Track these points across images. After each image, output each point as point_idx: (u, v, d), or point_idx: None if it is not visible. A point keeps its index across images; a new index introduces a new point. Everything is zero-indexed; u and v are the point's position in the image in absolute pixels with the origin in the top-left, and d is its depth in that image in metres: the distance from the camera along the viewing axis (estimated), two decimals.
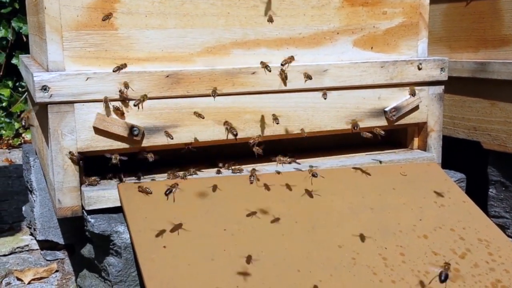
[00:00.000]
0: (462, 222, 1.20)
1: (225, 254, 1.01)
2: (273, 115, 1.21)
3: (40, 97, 1.06)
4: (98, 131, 1.11)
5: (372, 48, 1.33)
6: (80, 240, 1.26)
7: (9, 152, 3.02)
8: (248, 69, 1.20)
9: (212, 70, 1.18)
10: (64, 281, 1.50)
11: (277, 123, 1.21)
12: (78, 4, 1.09)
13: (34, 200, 1.62)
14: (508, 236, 1.81)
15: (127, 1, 1.12)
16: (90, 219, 1.09)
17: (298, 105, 1.26)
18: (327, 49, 1.29)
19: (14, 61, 3.07)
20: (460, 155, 2.00)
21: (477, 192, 1.92)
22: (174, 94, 1.15)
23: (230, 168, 1.23)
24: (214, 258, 0.99)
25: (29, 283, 1.49)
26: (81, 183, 1.13)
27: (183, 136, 1.18)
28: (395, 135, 1.45)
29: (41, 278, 1.51)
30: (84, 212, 1.12)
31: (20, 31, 3.04)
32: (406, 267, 1.06)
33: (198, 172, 1.20)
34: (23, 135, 3.19)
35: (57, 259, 1.64)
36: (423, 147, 1.42)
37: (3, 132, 3.07)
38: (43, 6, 1.07)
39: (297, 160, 1.29)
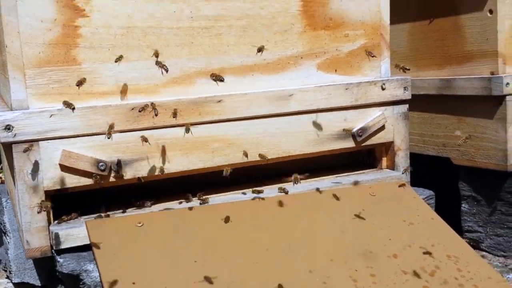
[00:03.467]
0: (431, 240, 1.22)
1: (195, 286, 1.02)
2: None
3: (4, 137, 1.06)
4: (64, 168, 1.11)
5: (336, 70, 1.36)
6: (55, 280, 1.26)
7: None
8: (213, 98, 1.22)
9: (178, 100, 1.19)
10: None
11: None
12: (40, 41, 1.10)
13: (8, 242, 1.61)
14: (482, 250, 1.84)
15: (89, 36, 1.13)
16: (59, 259, 1.10)
17: (266, 131, 1.28)
18: (292, 74, 1.31)
19: None
20: (431, 171, 2.03)
21: (450, 207, 1.96)
22: (140, 126, 1.16)
23: (200, 198, 1.24)
24: None
25: None
26: (49, 222, 1.13)
27: (151, 168, 1.19)
28: (364, 155, 1.48)
29: None
30: (53, 252, 1.12)
31: None
32: (375, 286, 1.08)
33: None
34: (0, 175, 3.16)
35: None
36: (392, 166, 1.45)
37: None
38: (4, 44, 1.08)
39: (268, 186, 1.31)
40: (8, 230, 1.61)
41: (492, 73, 1.70)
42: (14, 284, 1.67)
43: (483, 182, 1.80)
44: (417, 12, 1.92)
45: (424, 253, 1.18)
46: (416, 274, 1.12)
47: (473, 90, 1.74)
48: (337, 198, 1.28)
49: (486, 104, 1.72)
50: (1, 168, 3.04)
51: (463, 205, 1.88)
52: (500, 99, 1.68)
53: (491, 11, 1.69)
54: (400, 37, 1.98)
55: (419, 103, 1.94)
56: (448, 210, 1.99)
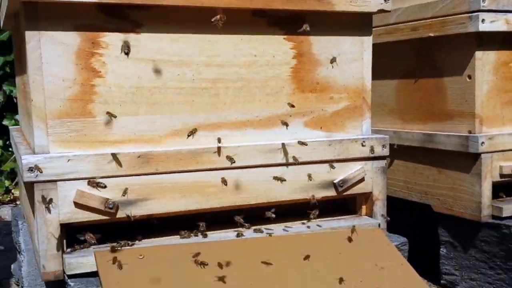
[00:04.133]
0: (398, 283, 1.37)
1: None
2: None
3: (27, 177, 1.23)
4: (77, 205, 1.28)
5: (321, 128, 1.52)
6: None
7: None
8: (210, 149, 1.39)
9: (178, 150, 1.36)
10: None
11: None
12: (61, 97, 1.27)
13: (22, 260, 1.78)
14: None
15: (103, 93, 1.31)
16: (70, 283, 1.26)
17: (256, 179, 1.44)
18: (281, 130, 1.48)
19: (5, 122, 3.25)
20: (415, 217, 2.18)
21: (431, 250, 2.10)
22: (144, 172, 1.33)
23: (191, 235, 1.40)
24: None
25: None
26: (63, 250, 1.29)
27: (153, 208, 1.35)
28: (346, 203, 1.63)
29: None
30: (65, 276, 1.28)
31: (11, 94, 3.24)
32: None
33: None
34: (12, 191, 3.35)
35: None
36: (370, 214, 1.60)
37: None
38: (30, 98, 1.26)
39: (254, 227, 1.47)
40: (23, 249, 1.78)
41: (470, 132, 1.85)
42: None
43: (459, 229, 1.94)
44: (405, 71, 2.08)
45: None
46: None
47: (452, 146, 1.89)
48: (317, 241, 1.43)
49: (464, 159, 1.87)
50: (15, 184, 3.22)
51: (441, 249, 2.02)
52: (476, 156, 1.83)
53: (469, 76, 1.84)
54: (389, 91, 2.14)
55: (404, 153, 2.10)
56: (429, 253, 2.13)
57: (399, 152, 2.09)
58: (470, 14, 1.78)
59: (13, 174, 3.33)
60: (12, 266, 2.03)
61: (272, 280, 1.30)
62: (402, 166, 2.11)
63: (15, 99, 3.28)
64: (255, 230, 1.45)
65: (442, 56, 1.92)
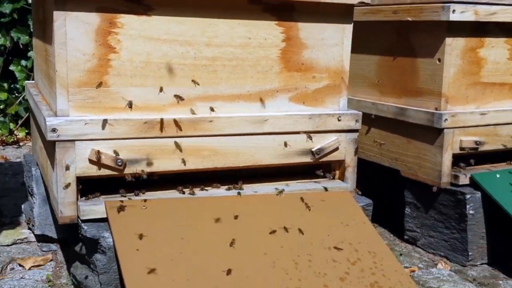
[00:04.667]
0: (358, 238, 1.62)
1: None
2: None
3: (50, 136, 1.45)
4: (91, 162, 1.51)
5: (303, 103, 1.75)
6: (66, 235, 1.65)
7: (3, 149, 3.39)
8: (206, 118, 1.61)
9: (179, 118, 1.58)
10: (57, 268, 1.90)
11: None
12: (81, 68, 1.48)
13: (34, 202, 2.01)
14: (418, 246, 2.24)
15: (117, 66, 1.52)
16: (83, 226, 1.50)
17: (244, 145, 1.67)
18: (268, 103, 1.70)
19: (11, 67, 3.44)
20: (385, 178, 2.43)
21: (397, 209, 2.36)
22: (149, 135, 1.55)
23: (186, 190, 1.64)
24: (182, 252, 1.40)
25: (29, 269, 1.89)
26: (77, 199, 1.53)
27: (156, 166, 1.58)
28: (323, 167, 1.87)
29: (38, 265, 1.91)
30: (79, 220, 1.52)
31: (19, 40, 3.41)
32: (310, 270, 1.48)
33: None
34: (15, 132, 3.56)
35: (51, 250, 2.03)
36: (342, 178, 1.84)
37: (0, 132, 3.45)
38: (54, 68, 1.47)
39: (243, 184, 1.71)
40: (35, 193, 2.01)
41: (436, 109, 2.07)
42: (36, 235, 2.07)
43: (422, 193, 2.19)
44: (385, 49, 2.28)
45: (352, 247, 1.58)
46: (345, 264, 1.52)
47: (420, 120, 2.12)
48: (293, 200, 1.68)
49: (429, 133, 2.09)
50: (20, 126, 3.42)
51: (406, 209, 2.27)
52: (439, 131, 2.05)
53: (439, 60, 2.05)
54: (370, 66, 2.35)
55: (379, 122, 2.32)
56: (396, 212, 2.39)
57: (376, 121, 2.32)
58: (443, 4, 1.98)
59: (16, 117, 3.54)
60: (23, 206, 2.27)
61: (252, 229, 1.55)
62: (377, 134, 2.34)
63: (21, 45, 3.45)
64: (239, 190, 1.69)
65: (417, 39, 2.13)
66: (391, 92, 2.26)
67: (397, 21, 2.17)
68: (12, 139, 3.47)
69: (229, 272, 1.39)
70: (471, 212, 2.02)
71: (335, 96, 1.77)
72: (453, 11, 1.97)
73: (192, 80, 1.58)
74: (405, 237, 2.28)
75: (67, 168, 1.48)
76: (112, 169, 1.53)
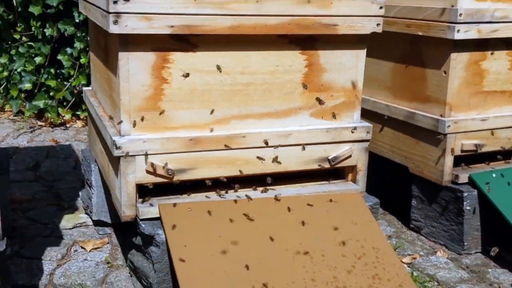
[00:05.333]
0: (365, 235, 2.00)
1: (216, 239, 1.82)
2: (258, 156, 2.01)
3: (116, 153, 1.85)
4: (148, 172, 1.90)
5: (322, 117, 2.11)
6: (118, 220, 2.03)
7: (52, 131, 3.82)
8: (240, 134, 1.98)
9: (218, 135, 1.96)
10: (113, 251, 2.32)
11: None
12: (140, 96, 1.86)
13: (92, 193, 2.43)
14: (422, 235, 2.62)
15: (169, 94, 1.89)
16: (141, 224, 1.90)
17: (272, 155, 2.05)
18: (292, 120, 2.06)
19: (59, 57, 3.84)
20: (396, 173, 2.80)
21: (405, 201, 2.73)
22: (194, 149, 1.94)
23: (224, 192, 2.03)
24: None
25: (90, 251, 2.31)
26: (136, 201, 1.93)
27: (199, 174, 1.97)
28: (338, 171, 2.24)
29: (97, 248, 2.33)
30: (138, 219, 1.93)
31: (65, 31, 3.79)
32: (323, 264, 1.87)
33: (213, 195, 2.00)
34: (62, 114, 3.97)
35: (106, 233, 2.46)
36: (354, 180, 2.21)
37: (49, 114, 3.86)
38: (119, 96, 1.85)
39: (270, 187, 2.09)
40: (93, 185, 2.42)
41: (441, 115, 2.42)
42: (93, 220, 2.50)
43: (427, 188, 2.56)
44: (399, 57, 2.62)
45: (359, 244, 1.97)
46: (351, 259, 1.91)
47: (427, 124, 2.47)
48: (311, 205, 2.06)
49: (434, 136, 2.45)
50: (69, 108, 3.83)
51: (413, 201, 2.65)
52: (443, 135, 2.41)
53: (445, 72, 2.39)
54: (386, 71, 2.69)
55: (392, 123, 2.67)
56: (404, 202, 2.77)
57: (389, 121, 2.68)
58: (449, 24, 2.30)
59: (63, 101, 3.94)
60: (80, 193, 2.70)
61: (276, 226, 1.94)
62: (389, 133, 2.70)
63: (67, 35, 3.83)
64: (268, 191, 2.07)
65: (426, 51, 2.46)
66: (403, 97, 2.61)
67: (410, 34, 2.49)
68: (59, 121, 3.89)
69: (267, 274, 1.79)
70: (467, 208, 2.39)
71: (350, 111, 2.13)
72: (458, 30, 2.29)
73: (228, 102, 1.95)
74: (411, 225, 2.66)
75: (129, 177, 1.88)
76: (164, 177, 1.92)
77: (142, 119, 1.88)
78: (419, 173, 2.56)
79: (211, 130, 1.96)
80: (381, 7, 2.02)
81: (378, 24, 2.05)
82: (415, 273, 2.27)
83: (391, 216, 2.80)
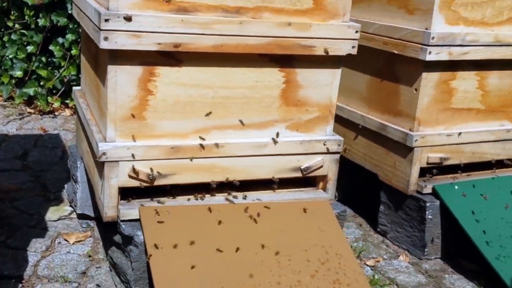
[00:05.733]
0: (330, 242, 2.15)
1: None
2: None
3: (101, 158, 1.98)
4: (130, 176, 2.04)
5: (297, 130, 2.25)
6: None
7: (41, 119, 3.93)
8: (219, 144, 2.12)
9: (197, 144, 2.09)
10: (95, 244, 2.46)
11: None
12: (126, 107, 1.99)
13: (77, 188, 2.56)
14: (387, 239, 2.78)
15: (153, 105, 2.02)
16: (122, 225, 2.04)
17: (248, 164, 2.19)
18: (269, 131, 2.20)
19: (51, 47, 3.94)
20: (367, 180, 2.95)
21: (374, 206, 2.89)
22: (175, 157, 2.07)
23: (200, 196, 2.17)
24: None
25: (73, 243, 2.45)
26: (118, 203, 2.06)
27: (177, 179, 2.11)
28: (309, 180, 2.38)
29: (80, 241, 2.47)
30: (119, 220, 2.07)
31: (57, 23, 3.89)
32: (289, 268, 2.02)
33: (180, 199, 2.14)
34: (51, 102, 4.08)
35: (89, 226, 2.59)
36: (324, 189, 2.36)
37: (38, 102, 3.97)
38: (106, 105, 1.98)
39: (244, 193, 2.23)
40: (79, 181, 2.55)
41: (410, 130, 2.57)
42: (77, 214, 2.64)
43: (394, 195, 2.71)
44: (375, 71, 2.75)
45: (323, 250, 2.12)
46: (315, 264, 2.06)
47: (397, 137, 2.61)
48: (282, 211, 2.20)
49: (403, 148, 2.59)
50: (58, 97, 3.94)
51: (381, 206, 2.80)
52: (410, 149, 2.56)
53: (416, 89, 2.54)
54: (362, 83, 2.83)
55: (366, 132, 2.82)
56: (373, 207, 2.92)
57: (363, 131, 2.82)
58: (422, 46, 2.44)
59: (53, 89, 4.05)
60: (65, 186, 2.82)
61: (249, 232, 2.09)
62: (363, 141, 2.85)
63: (59, 25, 3.93)
64: (243, 197, 2.21)
65: (400, 69, 2.60)
66: (377, 109, 2.75)
67: (386, 51, 2.63)
68: (48, 109, 4.00)
69: (238, 276, 1.94)
70: (429, 217, 2.55)
71: (323, 125, 2.27)
72: (429, 52, 2.43)
73: (208, 114, 2.08)
74: (378, 229, 2.82)
75: (113, 181, 2.01)
76: (145, 182, 2.05)
77: (127, 127, 2.01)
78: (387, 181, 2.71)
79: (192, 139, 2.09)
80: (356, 31, 2.16)
81: (353, 47, 2.18)
82: (376, 276, 2.43)
83: (361, 219, 2.96)
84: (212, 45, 1.99)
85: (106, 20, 1.84)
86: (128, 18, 1.86)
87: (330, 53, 2.15)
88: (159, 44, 1.93)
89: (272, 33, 2.04)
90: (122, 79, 1.95)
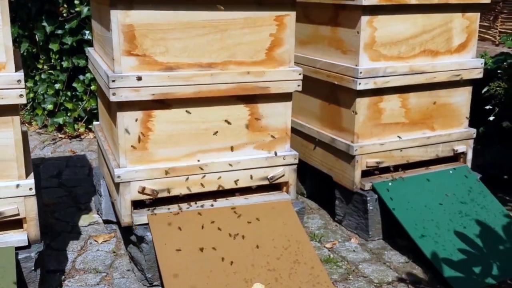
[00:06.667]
0: (291, 232, 2.53)
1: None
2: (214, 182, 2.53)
3: (117, 180, 2.37)
4: (139, 192, 2.42)
5: (262, 149, 2.63)
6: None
7: (70, 142, 4.31)
8: (204, 163, 2.50)
9: (186, 165, 2.48)
10: (118, 243, 2.84)
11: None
12: (132, 140, 2.38)
13: (102, 200, 2.95)
14: (343, 226, 3.16)
15: (152, 138, 2.41)
16: (135, 228, 2.43)
17: (228, 176, 2.57)
18: (241, 152, 2.58)
19: (74, 84, 4.33)
20: (324, 180, 3.33)
21: (332, 202, 3.27)
22: (169, 176, 2.46)
23: (192, 203, 2.55)
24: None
25: (101, 243, 2.84)
26: (131, 212, 2.45)
27: (174, 192, 2.50)
28: (275, 185, 2.77)
29: (106, 241, 2.86)
30: (133, 224, 2.45)
31: (78, 64, 4.28)
32: (260, 252, 2.41)
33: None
34: (77, 128, 4.47)
35: (113, 229, 2.98)
36: (287, 191, 2.74)
37: (67, 129, 4.36)
38: (118, 141, 2.37)
39: (227, 198, 2.61)
40: (102, 195, 2.93)
41: (352, 142, 2.95)
42: (103, 219, 3.02)
43: (344, 192, 3.06)
44: (324, 97, 3.12)
45: (286, 238, 2.50)
46: (280, 249, 2.45)
47: (343, 147, 2.98)
48: (255, 210, 2.59)
49: (347, 156, 2.96)
50: (83, 123, 4.31)
51: (336, 201, 3.16)
52: (352, 157, 2.94)
53: (353, 111, 2.92)
54: (316, 105, 3.18)
55: (321, 144, 3.19)
56: (331, 201, 3.31)
57: (319, 143, 3.20)
58: (353, 78, 2.82)
59: (79, 117, 4.43)
60: (93, 198, 3.21)
61: (233, 227, 2.47)
62: (320, 151, 3.22)
63: (79, 66, 4.32)
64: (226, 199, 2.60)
65: (340, 95, 2.98)
66: (327, 126, 3.13)
67: (329, 82, 3.01)
68: (75, 133, 4.39)
69: (222, 259, 2.33)
70: (370, 207, 2.92)
71: (282, 144, 2.66)
72: (359, 83, 2.80)
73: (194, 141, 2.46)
74: (335, 219, 3.19)
75: (126, 196, 2.40)
76: (150, 195, 2.44)
77: (134, 156, 2.40)
78: (339, 181, 3.08)
79: (183, 162, 2.48)
80: (300, 74, 2.54)
81: (298, 85, 2.56)
82: (332, 255, 2.80)
83: (324, 211, 3.32)
84: (193, 92, 2.37)
85: (113, 81, 2.23)
86: (139, 78, 2.24)
87: (281, 91, 2.53)
88: (153, 94, 2.31)
89: (237, 80, 2.43)
90: (128, 121, 2.33)
